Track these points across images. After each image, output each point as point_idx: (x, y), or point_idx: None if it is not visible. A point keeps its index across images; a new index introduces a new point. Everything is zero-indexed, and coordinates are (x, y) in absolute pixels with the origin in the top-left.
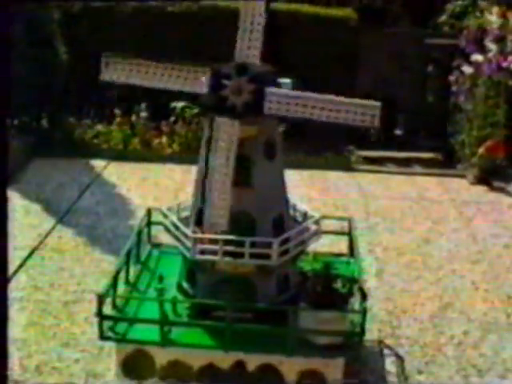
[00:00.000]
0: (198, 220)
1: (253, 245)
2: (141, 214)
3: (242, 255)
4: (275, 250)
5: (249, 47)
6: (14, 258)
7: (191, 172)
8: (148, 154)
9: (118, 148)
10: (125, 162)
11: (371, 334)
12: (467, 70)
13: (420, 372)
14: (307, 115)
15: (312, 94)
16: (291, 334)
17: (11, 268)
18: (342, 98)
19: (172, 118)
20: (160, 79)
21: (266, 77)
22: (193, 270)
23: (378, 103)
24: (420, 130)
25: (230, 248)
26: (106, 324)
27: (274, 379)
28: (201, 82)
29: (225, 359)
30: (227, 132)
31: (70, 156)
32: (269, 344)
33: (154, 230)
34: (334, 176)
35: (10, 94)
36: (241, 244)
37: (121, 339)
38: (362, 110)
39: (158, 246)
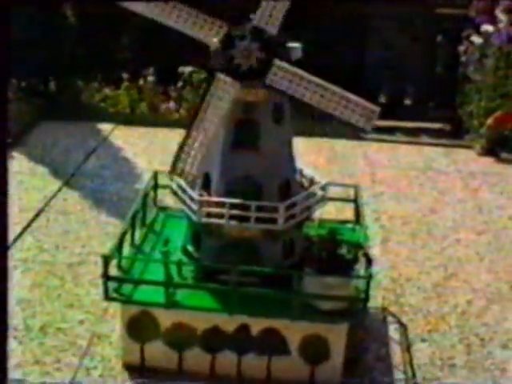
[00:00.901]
0: (205, 183)
1: (259, 209)
2: (147, 178)
3: (247, 219)
4: (281, 214)
5: (270, 15)
6: (20, 219)
7: None
8: (155, 119)
9: (125, 112)
10: (132, 126)
11: (375, 302)
12: (477, 40)
13: (423, 340)
14: (306, 99)
15: (316, 79)
16: (296, 298)
17: (16, 229)
18: (343, 92)
19: (180, 83)
20: (176, 21)
21: (278, 48)
22: (198, 234)
23: (377, 108)
24: (429, 100)
25: (236, 212)
26: (111, 285)
27: (278, 343)
28: (214, 35)
29: (229, 322)
30: (225, 90)
31: (76, 119)
32: (273, 308)
33: (160, 193)
34: (341, 144)
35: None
36: (247, 208)
37: (126, 300)
38: (361, 111)
39: (163, 209)
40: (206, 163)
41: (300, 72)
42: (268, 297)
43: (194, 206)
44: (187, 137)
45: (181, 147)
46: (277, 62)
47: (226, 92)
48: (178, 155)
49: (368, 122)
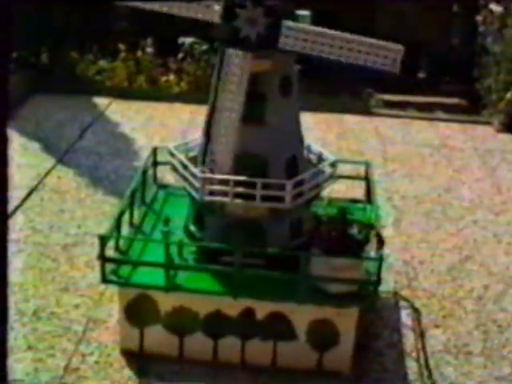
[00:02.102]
0: (206, 160)
1: (265, 187)
2: (146, 155)
3: (253, 197)
4: (288, 192)
5: None
6: (12, 198)
7: (200, 112)
8: (154, 93)
9: (122, 85)
10: (129, 100)
11: (387, 285)
12: (496, 8)
13: (437, 326)
14: (325, 54)
15: (332, 31)
16: (303, 281)
17: (8, 208)
18: (363, 38)
19: (180, 55)
20: (172, 4)
21: (283, 10)
22: (201, 213)
23: (401, 47)
24: (444, 73)
25: (240, 189)
26: (109, 267)
27: (284, 328)
28: (213, 10)
29: (233, 306)
30: (238, 65)
31: (71, 93)
32: (279, 291)
33: (161, 170)
34: (352, 120)
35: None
36: (252, 185)
37: (124, 283)
38: (384, 53)
39: (164, 187)
40: (206, 138)
41: (313, 28)
42: (274, 279)
43: (197, 184)
44: (209, 125)
45: (206, 137)
46: (285, 23)
47: (239, 67)
48: (205, 147)
49: (394, 64)
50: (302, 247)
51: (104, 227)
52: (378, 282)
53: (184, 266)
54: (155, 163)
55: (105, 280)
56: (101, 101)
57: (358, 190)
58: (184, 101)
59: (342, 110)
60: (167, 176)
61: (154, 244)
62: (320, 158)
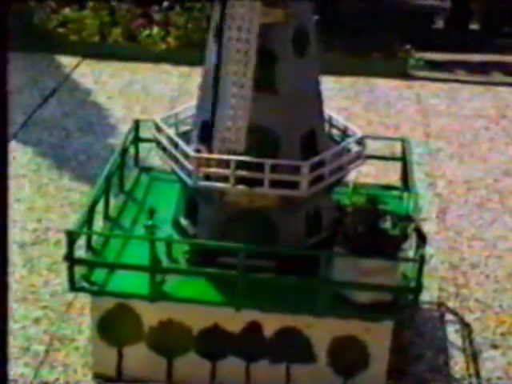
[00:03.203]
0: (204, 136)
1: (275, 169)
2: (125, 129)
3: (260, 183)
4: (305, 176)
5: None
6: None
7: (193, 75)
8: (134, 51)
9: (93, 41)
10: (103, 60)
11: (429, 294)
12: None
13: (494, 346)
14: None
15: None
16: (323, 288)
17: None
18: None
19: (166, 3)
20: None
21: None
22: (195, 203)
23: None
24: (502, 23)
25: (244, 173)
26: (79, 271)
27: (299, 347)
28: None
29: (235, 320)
30: (245, 17)
31: (28, 50)
32: (293, 301)
33: (144, 149)
34: (385, 85)
35: None
36: (259, 168)
37: (98, 291)
38: None
39: (147, 170)
40: (205, 108)
41: None
42: (286, 286)
43: (190, 166)
44: (206, 92)
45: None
46: None
47: (247, 18)
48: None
49: None
50: (322, 246)
51: (72, 221)
52: (418, 289)
53: (174, 269)
54: (137, 140)
55: (74, 287)
56: (66, 61)
57: (392, 174)
58: (172, 61)
59: (372, 73)
60: (152, 156)
61: (136, 242)
62: (345, 134)
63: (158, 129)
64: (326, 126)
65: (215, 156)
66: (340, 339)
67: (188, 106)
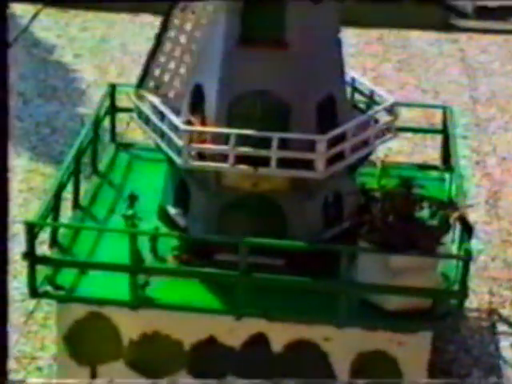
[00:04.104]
0: (195, 104)
1: (284, 145)
2: (98, 95)
3: (266, 162)
4: (321, 153)
5: None
6: None
7: None
8: None
9: None
10: (68, 7)
11: (478, 298)
12: None
13: None
14: None
15: None
16: (344, 291)
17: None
18: None
19: None
20: None
21: None
22: (185, 187)
23: None
24: None
25: (246, 150)
26: (42, 272)
27: (315, 364)
28: None
29: (236, 331)
30: None
31: None
32: (307, 308)
33: (122, 121)
34: (421, 39)
35: None
36: (265, 143)
37: (65, 297)
38: None
39: (126, 146)
40: (197, 69)
41: None
42: (299, 289)
43: (179, 142)
44: (164, 27)
45: (156, 44)
46: None
47: None
48: (150, 60)
49: None
50: (343, 239)
51: (32, 210)
52: (463, 293)
53: (160, 268)
54: (113, 109)
55: (35, 293)
56: (22, 9)
57: (430, 151)
58: (156, 10)
59: (405, 24)
60: (132, 130)
61: (113, 236)
62: (371, 100)
63: (139, 96)
64: (348, 91)
65: (211, 129)
66: (366, 355)
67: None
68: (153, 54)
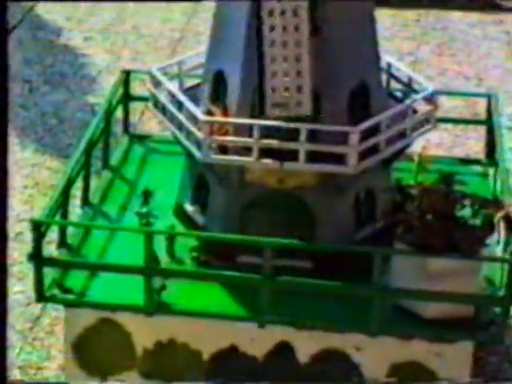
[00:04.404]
0: (217, 91)
1: (314, 137)
2: (110, 83)
3: (293, 156)
4: (354, 146)
5: None
6: None
7: (199, 11)
8: None
9: None
10: None
11: None
12: None
13: None
14: None
15: None
16: (377, 297)
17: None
18: None
19: None
20: None
21: None
22: (205, 183)
23: None
24: None
25: (273, 142)
26: (49, 274)
27: (345, 376)
28: None
29: (259, 340)
30: None
31: None
32: (337, 315)
33: (136, 110)
34: (462, 20)
35: None
36: (292, 135)
37: (74, 301)
38: None
39: (141, 138)
40: (220, 54)
41: None
42: (326, 294)
43: (199, 133)
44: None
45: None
46: None
47: None
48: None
49: None
50: (376, 240)
51: (39, 208)
52: (508, 299)
53: (177, 271)
54: (127, 98)
55: (42, 296)
56: None
57: (472, 143)
58: None
59: (444, 4)
60: (147, 120)
61: (127, 235)
62: (409, 88)
63: (156, 82)
64: (383, 78)
65: (233, 120)
66: (400, 366)
67: (195, 52)
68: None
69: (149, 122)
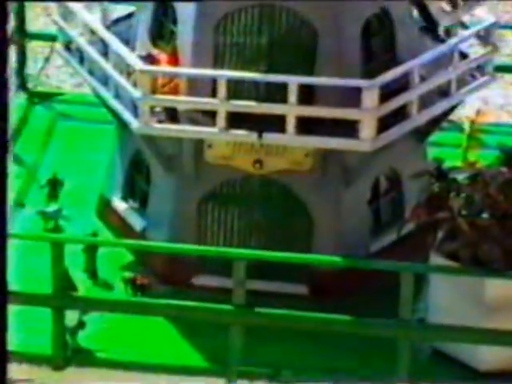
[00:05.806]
0: (160, 29)
1: (309, 96)
2: None
3: (278, 125)
4: (369, 109)
5: None
6: None
7: None
8: None
9: None
10: None
11: None
12: None
13: None
14: None
15: None
16: (405, 338)
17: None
18: None
19: None
20: None
21: None
22: (144, 167)
23: None
24: None
25: (245, 104)
26: None
27: None
28: None
29: None
30: None
31: None
32: (343, 362)
33: (35, 54)
34: None
35: None
36: (276, 94)
37: None
38: None
39: (45, 97)
40: None
41: None
42: (329, 334)
43: (134, 91)
44: None
45: None
46: None
47: None
48: None
49: None
50: (403, 251)
51: None
52: None
53: (101, 300)
54: (22, 35)
55: None
56: None
57: None
58: None
59: None
60: (55, 71)
61: (23, 245)
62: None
63: (66, 12)
64: (413, 7)
65: (188, 70)
66: None
67: None
68: None
69: (57, 73)
